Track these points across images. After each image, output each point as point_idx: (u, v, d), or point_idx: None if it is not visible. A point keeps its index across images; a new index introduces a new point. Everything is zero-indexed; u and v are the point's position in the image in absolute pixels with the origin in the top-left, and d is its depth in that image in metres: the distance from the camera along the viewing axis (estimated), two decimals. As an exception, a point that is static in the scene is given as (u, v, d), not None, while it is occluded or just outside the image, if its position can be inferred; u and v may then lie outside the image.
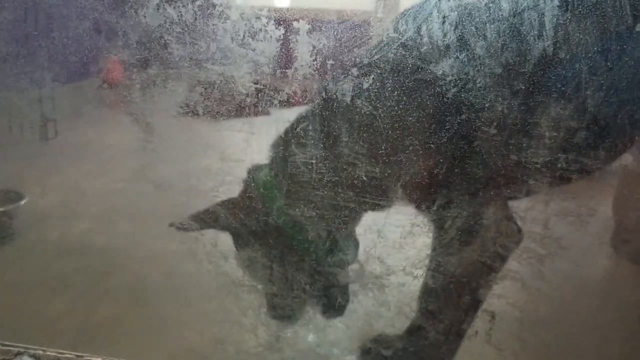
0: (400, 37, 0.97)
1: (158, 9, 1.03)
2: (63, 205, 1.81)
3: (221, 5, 1.02)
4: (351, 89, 1.00)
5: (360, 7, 1.03)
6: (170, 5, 1.03)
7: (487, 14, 0.94)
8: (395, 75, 0.98)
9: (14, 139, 1.49)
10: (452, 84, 0.95)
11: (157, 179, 1.31)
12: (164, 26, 1.04)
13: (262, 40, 1.02)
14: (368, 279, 1.08)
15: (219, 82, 1.06)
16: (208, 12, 1.02)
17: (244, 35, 1.02)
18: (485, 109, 0.95)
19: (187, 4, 1.02)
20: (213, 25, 1.03)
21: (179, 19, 1.03)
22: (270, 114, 1.08)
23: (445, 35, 0.94)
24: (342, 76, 1.01)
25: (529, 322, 1.07)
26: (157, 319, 1.38)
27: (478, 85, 0.94)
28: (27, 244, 1.75)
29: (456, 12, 0.95)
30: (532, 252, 1.03)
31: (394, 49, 0.97)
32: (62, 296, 1.52)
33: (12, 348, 1.10)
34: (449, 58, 0.94)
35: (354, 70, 1.00)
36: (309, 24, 1.00)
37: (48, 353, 1.08)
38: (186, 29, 1.04)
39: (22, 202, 1.78)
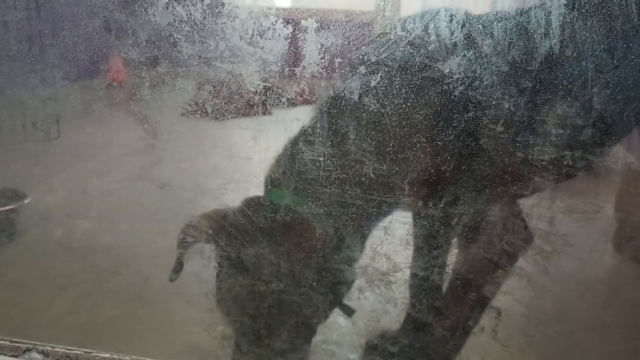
0: (407, 35, 0.98)
1: (167, 8, 1.04)
2: (67, 204, 1.81)
3: (230, 3, 1.02)
4: (359, 87, 1.00)
5: (367, 5, 1.04)
6: (179, 3, 1.04)
7: (494, 13, 0.95)
8: (402, 73, 0.99)
9: (18, 138, 1.49)
10: (459, 82, 0.96)
11: (164, 178, 1.31)
12: (173, 25, 1.05)
13: (270, 39, 1.02)
14: (375, 276, 1.09)
15: (227, 80, 1.07)
16: (217, 10, 1.03)
17: (252, 34, 1.03)
18: (492, 106, 0.95)
19: (196, 2, 1.03)
20: (222, 23, 1.03)
21: (188, 18, 1.04)
22: (278, 111, 1.08)
23: (452, 33, 0.95)
24: (350, 74, 1.02)
25: (535, 319, 1.08)
26: (163, 315, 1.38)
27: (485, 83, 0.95)
28: (31, 243, 1.75)
29: (463, 11, 0.96)
30: (538, 249, 1.04)
31: (402, 47, 0.98)
32: (67, 294, 1.52)
33: (20, 344, 1.10)
34: (456, 56, 0.95)
35: (362, 68, 1.01)
36: (317, 22, 1.00)
37: (57, 349, 1.09)
38: (195, 28, 1.05)
39: (26, 201, 1.79)
